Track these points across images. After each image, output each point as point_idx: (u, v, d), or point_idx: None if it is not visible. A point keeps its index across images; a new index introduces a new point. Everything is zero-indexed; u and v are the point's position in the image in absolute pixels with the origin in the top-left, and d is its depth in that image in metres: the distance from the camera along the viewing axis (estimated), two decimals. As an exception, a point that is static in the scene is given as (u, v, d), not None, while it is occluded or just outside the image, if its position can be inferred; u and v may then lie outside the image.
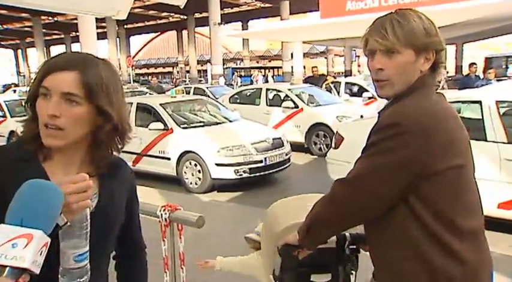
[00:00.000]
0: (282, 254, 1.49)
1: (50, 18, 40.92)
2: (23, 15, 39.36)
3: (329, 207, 1.36)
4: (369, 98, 10.92)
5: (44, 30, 42.84)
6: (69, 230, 0.92)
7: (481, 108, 4.55)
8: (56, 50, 60.66)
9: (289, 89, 10.35)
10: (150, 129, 7.28)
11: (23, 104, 1.10)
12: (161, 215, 2.06)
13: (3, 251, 0.75)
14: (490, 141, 4.44)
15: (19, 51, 57.13)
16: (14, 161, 1.03)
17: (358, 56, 30.94)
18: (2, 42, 59.47)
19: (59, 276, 0.94)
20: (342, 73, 26.03)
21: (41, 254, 0.79)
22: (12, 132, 11.53)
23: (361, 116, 7.65)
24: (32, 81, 1.05)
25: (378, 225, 1.33)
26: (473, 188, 1.34)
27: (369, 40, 1.34)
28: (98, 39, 23.55)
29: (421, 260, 1.26)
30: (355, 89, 12.24)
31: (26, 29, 45.31)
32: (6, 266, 0.74)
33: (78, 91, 1.01)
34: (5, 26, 46.64)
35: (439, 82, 1.38)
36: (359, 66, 32.00)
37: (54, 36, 52.91)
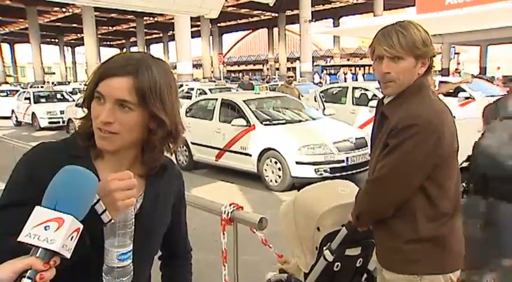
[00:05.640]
0: (348, 229, 1.79)
1: (151, 18, 43.89)
2: (129, 17, 42.73)
3: (372, 200, 1.66)
4: (466, 98, 10.07)
5: (145, 30, 46.12)
6: (113, 228, 0.92)
7: None
8: (155, 48, 64.99)
9: (377, 88, 9.95)
10: (232, 125, 7.39)
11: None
12: (224, 211, 2.06)
13: (36, 232, 0.77)
14: None
15: (124, 49, 62.09)
16: (65, 159, 0.99)
17: (458, 53, 28.78)
18: (112, 43, 65.18)
19: (103, 274, 0.95)
20: (438, 72, 24.47)
21: (71, 239, 0.79)
22: (70, 120, 12.91)
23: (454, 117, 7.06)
24: (88, 82, 1.05)
25: None
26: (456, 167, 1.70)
27: (376, 48, 1.63)
28: (192, 37, 24.68)
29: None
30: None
31: (131, 29, 49.12)
32: (39, 247, 0.76)
33: (131, 98, 0.99)
34: (114, 28, 51.16)
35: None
36: (458, 64, 29.77)
37: (154, 35, 56.65)
